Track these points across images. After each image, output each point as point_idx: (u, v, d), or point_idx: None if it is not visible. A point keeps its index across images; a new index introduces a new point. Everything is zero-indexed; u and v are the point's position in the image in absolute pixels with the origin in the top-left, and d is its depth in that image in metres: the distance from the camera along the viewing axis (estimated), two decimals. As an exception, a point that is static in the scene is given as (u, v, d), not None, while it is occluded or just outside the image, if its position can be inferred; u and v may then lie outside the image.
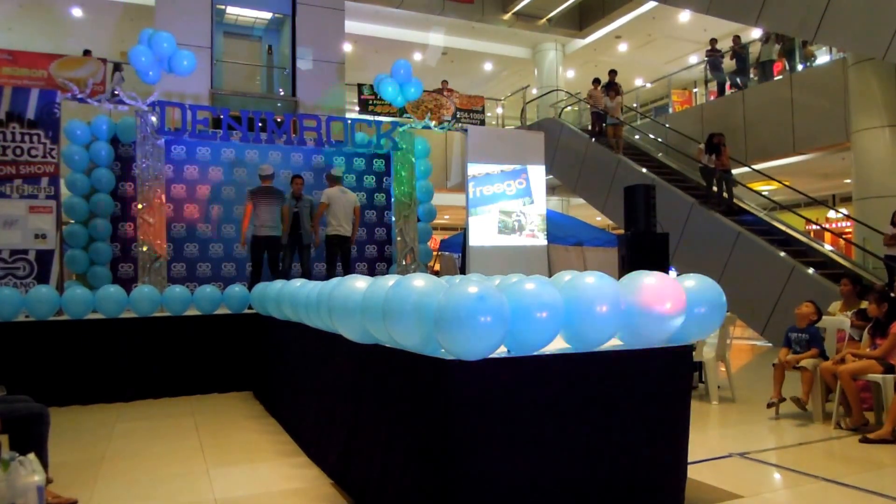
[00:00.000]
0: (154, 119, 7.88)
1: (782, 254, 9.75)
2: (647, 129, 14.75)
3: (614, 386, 2.88)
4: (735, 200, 11.22)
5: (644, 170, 12.34)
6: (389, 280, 2.96)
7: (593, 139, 13.92)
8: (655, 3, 14.25)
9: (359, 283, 3.30)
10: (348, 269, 8.33)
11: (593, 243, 11.59)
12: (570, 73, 19.64)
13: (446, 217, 20.20)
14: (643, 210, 7.86)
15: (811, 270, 9.36)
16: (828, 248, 10.52)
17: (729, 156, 11.24)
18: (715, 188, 11.20)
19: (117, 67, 7.78)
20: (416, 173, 9.53)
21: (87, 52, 7.84)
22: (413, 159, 9.47)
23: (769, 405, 5.28)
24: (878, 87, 10.08)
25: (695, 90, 16.92)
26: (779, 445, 4.58)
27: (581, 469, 2.77)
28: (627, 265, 7.48)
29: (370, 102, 13.11)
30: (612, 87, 13.72)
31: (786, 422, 5.18)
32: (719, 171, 11.01)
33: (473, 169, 9.49)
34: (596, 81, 14.47)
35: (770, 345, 9.85)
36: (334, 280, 3.80)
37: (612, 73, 14.40)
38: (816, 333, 5.39)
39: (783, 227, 10.83)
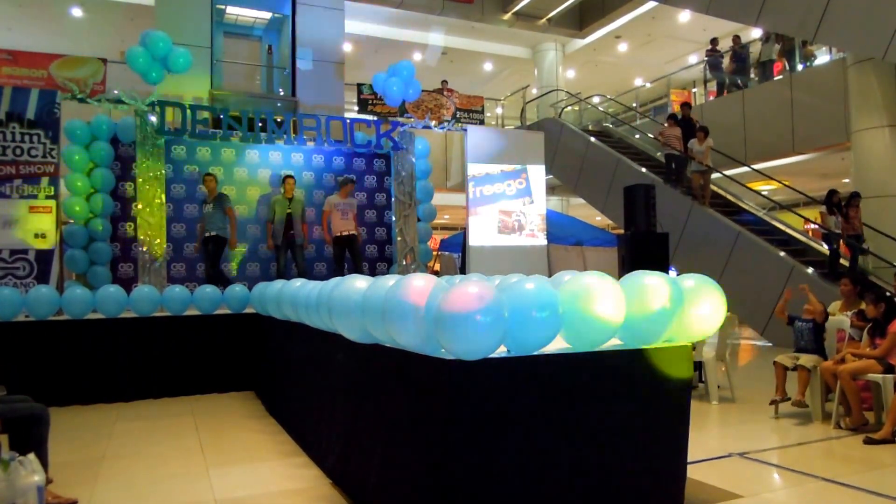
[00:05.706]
0: (154, 119, 7.89)
1: (782, 254, 9.75)
2: (647, 128, 14.74)
3: (614, 386, 2.88)
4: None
5: (644, 170, 12.34)
6: (389, 280, 2.96)
7: (667, 184, 11.44)
8: (655, 3, 14.23)
9: (359, 283, 3.30)
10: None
11: (593, 243, 11.60)
12: (570, 73, 19.63)
13: (446, 217, 20.21)
14: (643, 210, 7.87)
15: (811, 270, 9.36)
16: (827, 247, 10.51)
17: (860, 218, 9.34)
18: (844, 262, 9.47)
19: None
20: (416, 173, 9.53)
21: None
22: (413, 159, 9.48)
23: (772, 402, 5.30)
24: (878, 87, 10.08)
25: (694, 90, 16.91)
26: (778, 445, 4.58)
27: (581, 469, 2.77)
28: (627, 265, 7.49)
29: (370, 102, 13.12)
30: (698, 128, 11.19)
31: (786, 422, 5.18)
32: (846, 236, 9.29)
33: (473, 169, 9.49)
34: (672, 118, 11.81)
35: (770, 344, 9.84)
36: (334, 280, 3.80)
37: (686, 106, 12.18)
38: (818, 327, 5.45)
39: (783, 227, 10.82)
